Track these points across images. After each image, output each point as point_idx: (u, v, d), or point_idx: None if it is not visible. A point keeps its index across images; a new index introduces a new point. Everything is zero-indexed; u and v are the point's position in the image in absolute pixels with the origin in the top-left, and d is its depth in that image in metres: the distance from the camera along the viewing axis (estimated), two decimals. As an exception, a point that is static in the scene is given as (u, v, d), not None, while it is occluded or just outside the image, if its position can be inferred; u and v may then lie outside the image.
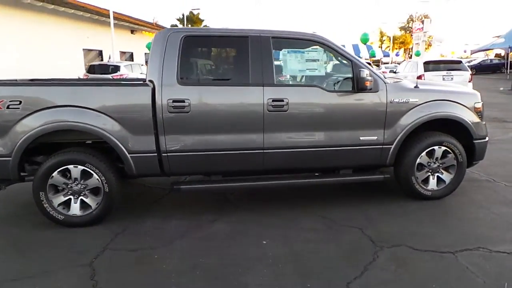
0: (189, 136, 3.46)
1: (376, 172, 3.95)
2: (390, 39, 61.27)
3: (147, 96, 3.35)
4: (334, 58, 3.93)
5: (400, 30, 71.50)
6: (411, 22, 63.13)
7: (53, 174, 3.33)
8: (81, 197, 3.44)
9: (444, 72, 11.51)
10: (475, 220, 3.52)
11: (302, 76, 4.11)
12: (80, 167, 3.37)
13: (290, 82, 4.03)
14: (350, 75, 3.68)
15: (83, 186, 3.42)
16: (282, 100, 3.51)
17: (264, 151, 3.58)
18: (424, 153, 3.87)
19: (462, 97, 3.95)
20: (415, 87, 3.86)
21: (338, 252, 2.96)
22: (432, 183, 3.98)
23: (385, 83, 3.73)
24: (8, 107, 3.17)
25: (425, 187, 3.96)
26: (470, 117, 3.92)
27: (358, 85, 3.50)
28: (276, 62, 3.66)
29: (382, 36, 68.13)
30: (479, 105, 4.00)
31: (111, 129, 3.32)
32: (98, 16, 16.00)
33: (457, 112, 3.87)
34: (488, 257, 2.82)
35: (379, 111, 3.71)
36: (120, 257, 2.95)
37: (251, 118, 3.50)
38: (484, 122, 4.11)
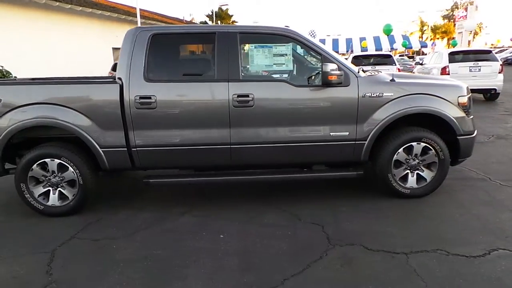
0: (157, 131, 3.56)
1: (349, 168, 3.85)
2: (429, 29, 58.36)
3: (115, 93, 3.49)
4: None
5: (443, 18, 67.79)
6: (455, 9, 59.62)
7: (33, 167, 3.57)
8: (59, 189, 3.67)
9: (471, 63, 10.82)
10: (447, 221, 3.34)
11: (291, 71, 4.06)
12: (57, 161, 3.58)
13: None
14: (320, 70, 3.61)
15: (60, 178, 3.63)
16: (248, 96, 3.51)
17: (231, 146, 3.60)
18: (401, 149, 3.71)
19: (443, 91, 3.73)
20: (391, 80, 3.71)
21: (289, 249, 2.94)
22: (411, 180, 3.81)
23: (356, 76, 3.61)
24: (-11, 105, 3.44)
25: (403, 185, 3.80)
26: (452, 112, 3.70)
27: (322, 80, 3.42)
28: (245, 58, 3.66)
29: (422, 26, 64.92)
30: (463, 99, 3.76)
31: (83, 124, 3.50)
32: (125, 15, 16.64)
33: (437, 107, 3.66)
34: (443, 259, 2.68)
35: (350, 105, 3.60)
36: (83, 246, 3.12)
37: (217, 114, 3.54)
38: (471, 117, 3.86)
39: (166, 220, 3.57)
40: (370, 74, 3.89)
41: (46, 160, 3.58)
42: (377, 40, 39.95)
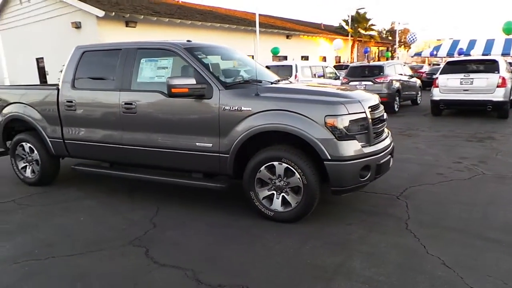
0: (77, 128, 4.46)
1: (220, 180, 3.83)
2: None
3: (54, 96, 4.56)
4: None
5: None
6: None
7: (17, 148, 5.02)
8: (31, 166, 5.01)
9: None
10: (251, 251, 3.05)
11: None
12: (29, 145, 4.93)
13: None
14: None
15: (31, 157, 4.97)
16: (131, 104, 4.01)
17: (123, 146, 4.17)
18: (263, 167, 3.50)
19: (307, 108, 3.30)
20: (255, 94, 3.53)
21: (93, 240, 3.32)
22: (277, 203, 3.52)
23: (219, 89, 3.61)
24: (-11, 103, 5.04)
25: (267, 206, 3.55)
26: (315, 132, 3.24)
27: (167, 91, 3.57)
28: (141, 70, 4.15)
29: None
30: (331, 119, 3.21)
31: (38, 119, 4.72)
32: (245, 26, 18.32)
33: (294, 125, 3.29)
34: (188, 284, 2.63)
35: (212, 118, 3.63)
36: (4, 206, 4.27)
37: (113, 117, 4.17)
38: (350, 140, 3.26)
39: (78, 200, 4.42)
40: (241, 86, 3.79)
41: (23, 144, 4.97)
42: None
